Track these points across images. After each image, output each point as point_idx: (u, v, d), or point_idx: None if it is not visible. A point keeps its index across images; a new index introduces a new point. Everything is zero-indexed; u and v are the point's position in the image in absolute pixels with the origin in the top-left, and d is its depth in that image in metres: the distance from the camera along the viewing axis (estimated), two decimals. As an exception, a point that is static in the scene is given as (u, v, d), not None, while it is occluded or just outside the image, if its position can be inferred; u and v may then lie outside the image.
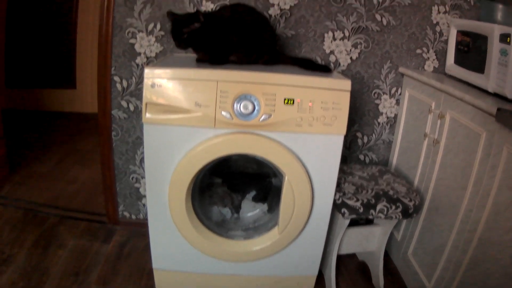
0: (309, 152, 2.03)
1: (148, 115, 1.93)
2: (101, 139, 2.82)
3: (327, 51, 2.70)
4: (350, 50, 2.73)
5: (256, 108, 1.92)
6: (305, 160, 2.05)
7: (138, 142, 2.75)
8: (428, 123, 2.40)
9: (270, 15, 2.55)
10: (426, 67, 2.83)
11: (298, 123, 1.96)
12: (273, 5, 2.55)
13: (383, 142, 2.94)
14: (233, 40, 2.09)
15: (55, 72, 5.37)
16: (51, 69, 5.36)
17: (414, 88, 2.67)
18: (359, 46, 2.73)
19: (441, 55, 2.81)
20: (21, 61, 5.34)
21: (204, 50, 2.09)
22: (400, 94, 2.86)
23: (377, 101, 2.84)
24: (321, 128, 1.95)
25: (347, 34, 2.70)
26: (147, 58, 2.64)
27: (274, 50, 2.27)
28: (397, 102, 2.88)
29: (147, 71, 1.88)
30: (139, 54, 2.61)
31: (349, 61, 2.74)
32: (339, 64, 2.74)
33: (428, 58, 2.82)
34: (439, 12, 2.73)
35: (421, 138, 2.48)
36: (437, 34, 2.77)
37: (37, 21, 5.18)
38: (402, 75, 2.80)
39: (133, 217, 3.01)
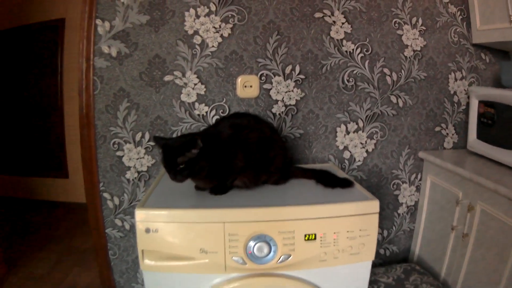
0: (334, 283, 1.73)
1: (147, 261, 1.62)
2: (99, 260, 2.44)
3: (341, 147, 2.36)
4: (366, 142, 2.38)
5: (273, 249, 1.60)
6: (330, 292, 1.73)
7: (139, 261, 2.31)
8: (455, 215, 2.10)
9: (274, 114, 2.25)
10: (445, 144, 2.50)
11: (321, 258, 1.64)
12: (276, 102, 2.23)
13: (403, 233, 2.59)
14: (237, 164, 1.70)
15: (45, 160, 4.95)
16: (41, 157, 4.94)
17: (437, 175, 2.32)
18: (375, 136, 2.39)
19: (460, 128, 2.48)
20: (10, 147, 4.95)
21: (203, 178, 1.69)
22: (420, 180, 2.52)
23: (396, 192, 2.51)
24: (347, 259, 1.66)
25: (361, 124, 2.36)
26: (138, 172, 2.27)
27: (284, 165, 1.88)
28: (417, 189, 2.54)
29: (138, 215, 1.58)
30: (129, 168, 2.23)
31: (365, 154, 2.41)
32: (354, 159, 2.40)
33: (447, 134, 2.48)
34: (456, 80, 2.41)
35: (447, 229, 2.18)
36: (455, 105, 2.44)
37: (23, 106, 4.81)
38: (422, 159, 2.46)
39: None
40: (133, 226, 2.34)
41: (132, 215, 2.31)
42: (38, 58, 4.70)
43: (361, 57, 2.28)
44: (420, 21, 2.31)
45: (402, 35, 2.31)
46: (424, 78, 2.38)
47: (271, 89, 2.23)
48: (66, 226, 4.46)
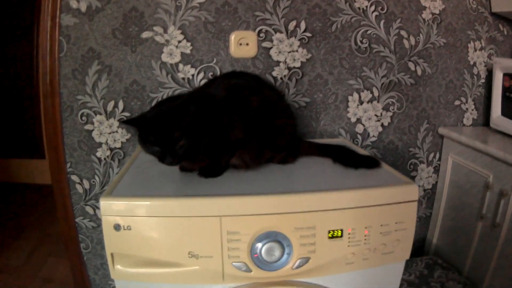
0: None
1: (118, 267, 1.12)
2: (69, 254, 1.92)
3: (353, 119, 1.85)
4: (381, 114, 1.88)
5: (286, 251, 1.11)
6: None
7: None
8: (485, 201, 1.66)
9: (275, 78, 1.74)
10: (465, 120, 2.01)
11: (348, 261, 1.17)
12: (277, 63, 1.71)
13: (419, 220, 2.09)
14: (235, 136, 1.16)
15: (20, 139, 4.27)
16: (15, 136, 4.27)
17: (461, 154, 1.85)
18: (391, 108, 1.88)
19: (479, 103, 2.00)
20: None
21: (191, 156, 1.14)
22: (438, 159, 2.03)
23: (413, 173, 2.01)
24: (378, 260, 1.19)
25: (376, 93, 1.84)
26: (111, 150, 1.73)
27: (293, 139, 1.36)
28: (435, 170, 2.04)
29: (104, 206, 1.08)
30: (100, 145, 1.71)
31: (380, 129, 1.90)
32: (368, 134, 1.89)
33: (467, 109, 1.99)
34: (475, 50, 1.92)
35: (472, 218, 1.75)
36: (475, 77, 1.96)
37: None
38: (441, 136, 1.97)
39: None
40: (106, 215, 1.80)
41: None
42: (14, 29, 4.01)
43: (376, 15, 1.77)
44: (438, -19, 1.80)
45: (420, -5, 1.79)
46: (443, 45, 1.88)
47: (271, 48, 1.70)
48: (42, 211, 3.86)
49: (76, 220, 1.81)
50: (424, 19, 1.83)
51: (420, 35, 1.84)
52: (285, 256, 1.11)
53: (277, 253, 1.10)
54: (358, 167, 1.33)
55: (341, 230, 1.12)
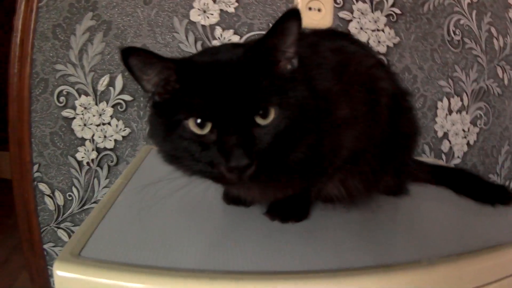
0: None
1: None
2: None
3: (440, 133, 1.23)
4: (468, 129, 1.26)
5: None
6: None
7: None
8: None
9: None
10: None
11: None
12: None
13: None
14: (354, 141, 0.49)
15: None
16: None
17: None
18: (478, 122, 1.27)
19: None
20: None
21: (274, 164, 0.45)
22: None
23: None
24: None
25: (466, 101, 1.23)
26: (98, 151, 1.04)
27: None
28: None
29: (60, 281, 0.39)
30: (83, 142, 1.03)
31: (465, 148, 1.28)
32: (453, 155, 1.26)
33: None
34: None
35: None
36: None
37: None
38: None
39: None
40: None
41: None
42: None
43: (468, 3, 1.17)
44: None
45: (506, -11, 1.24)
46: (528, 52, 1.31)
47: (350, 20, 1.06)
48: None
49: (45, 246, 1.12)
50: (511, 18, 1.26)
51: (508, 36, 1.26)
52: None
53: None
54: (494, 203, 0.69)
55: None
